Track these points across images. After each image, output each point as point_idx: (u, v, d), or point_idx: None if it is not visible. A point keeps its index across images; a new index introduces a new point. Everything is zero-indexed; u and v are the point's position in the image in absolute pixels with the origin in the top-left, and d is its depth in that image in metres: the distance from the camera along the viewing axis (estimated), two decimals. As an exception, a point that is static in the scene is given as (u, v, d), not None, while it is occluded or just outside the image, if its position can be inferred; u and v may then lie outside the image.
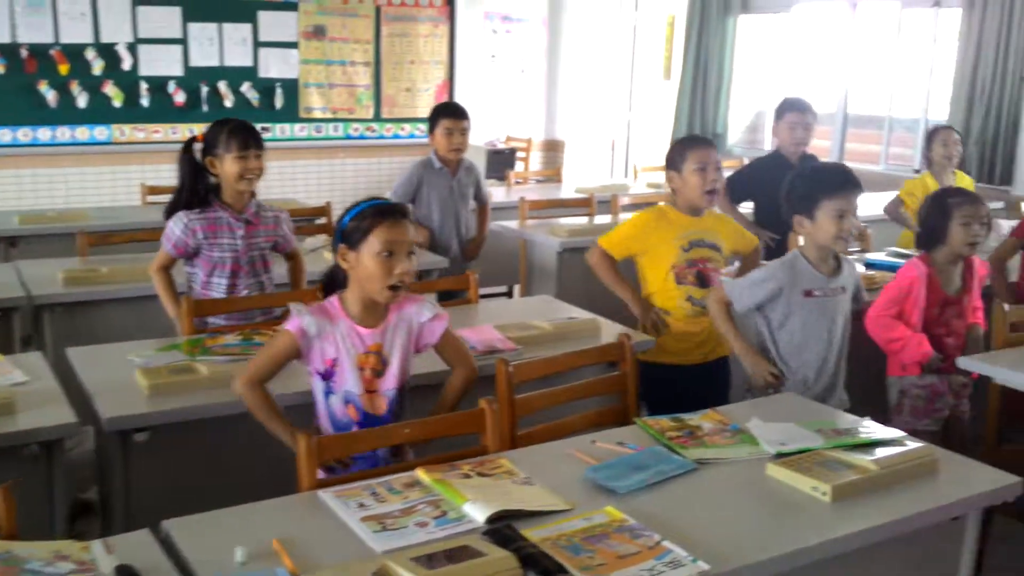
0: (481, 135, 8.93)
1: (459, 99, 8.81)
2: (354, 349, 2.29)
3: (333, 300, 2.34)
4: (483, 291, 6.29)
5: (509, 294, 6.20)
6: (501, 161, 8.60)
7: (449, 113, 4.53)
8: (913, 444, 2.14)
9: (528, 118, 9.30)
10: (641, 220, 3.39)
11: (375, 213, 2.25)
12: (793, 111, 4.56)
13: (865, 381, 3.28)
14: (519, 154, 8.94)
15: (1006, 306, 3.13)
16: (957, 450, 3.40)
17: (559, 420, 2.56)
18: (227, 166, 3.17)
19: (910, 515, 1.92)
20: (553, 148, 9.46)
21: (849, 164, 7.47)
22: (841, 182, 2.89)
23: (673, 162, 3.32)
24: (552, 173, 7.19)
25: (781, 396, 2.65)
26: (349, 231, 2.27)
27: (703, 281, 3.28)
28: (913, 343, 3.16)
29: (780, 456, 2.12)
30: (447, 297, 4.00)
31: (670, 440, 2.20)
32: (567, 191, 6.36)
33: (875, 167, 7.39)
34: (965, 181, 5.03)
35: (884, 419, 3.41)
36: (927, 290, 3.18)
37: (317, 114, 8.01)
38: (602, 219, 5.21)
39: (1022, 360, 2.89)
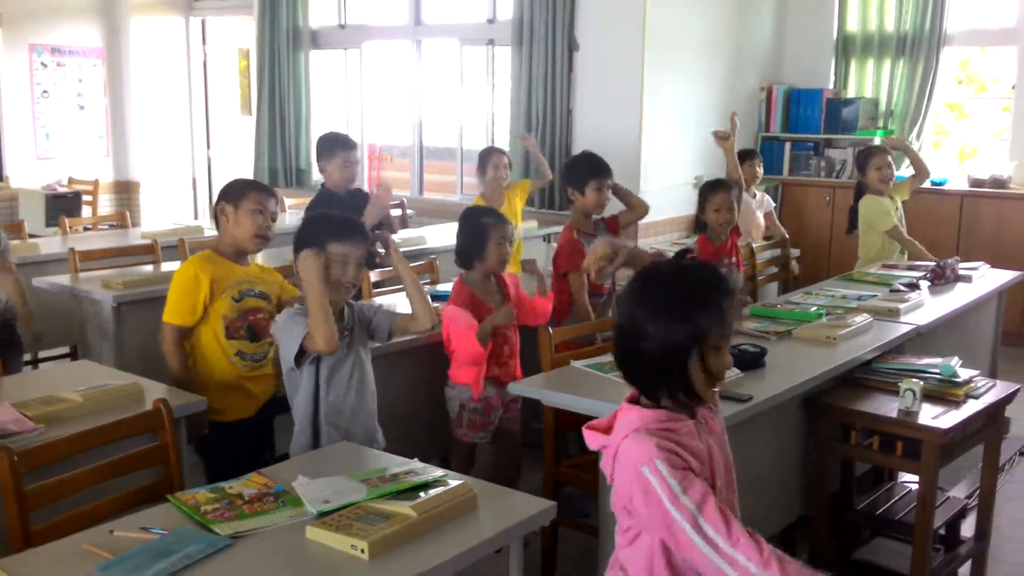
0: (38, 179, 8.10)
1: (7, 139, 7.94)
2: None
3: None
4: (45, 354, 5.67)
5: (74, 355, 5.61)
6: (63, 206, 7.83)
7: None
8: (454, 482, 2.13)
9: (94, 158, 8.59)
10: (190, 274, 3.08)
11: None
12: (346, 149, 4.53)
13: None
14: (85, 198, 8.22)
15: (550, 329, 3.31)
16: (511, 461, 3.63)
17: (92, 504, 2.26)
18: None
19: (450, 558, 1.90)
20: (126, 190, 8.82)
21: (428, 195, 7.83)
22: (346, 229, 2.84)
23: (230, 198, 3.12)
24: (116, 218, 6.62)
25: (334, 448, 2.55)
26: None
27: (254, 334, 3.12)
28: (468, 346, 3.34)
29: (323, 515, 2.01)
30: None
31: (204, 515, 2.01)
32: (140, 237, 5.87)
33: (452, 197, 7.71)
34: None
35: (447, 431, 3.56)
36: (472, 307, 3.38)
37: None
38: (171, 266, 4.84)
39: (566, 380, 3.05)
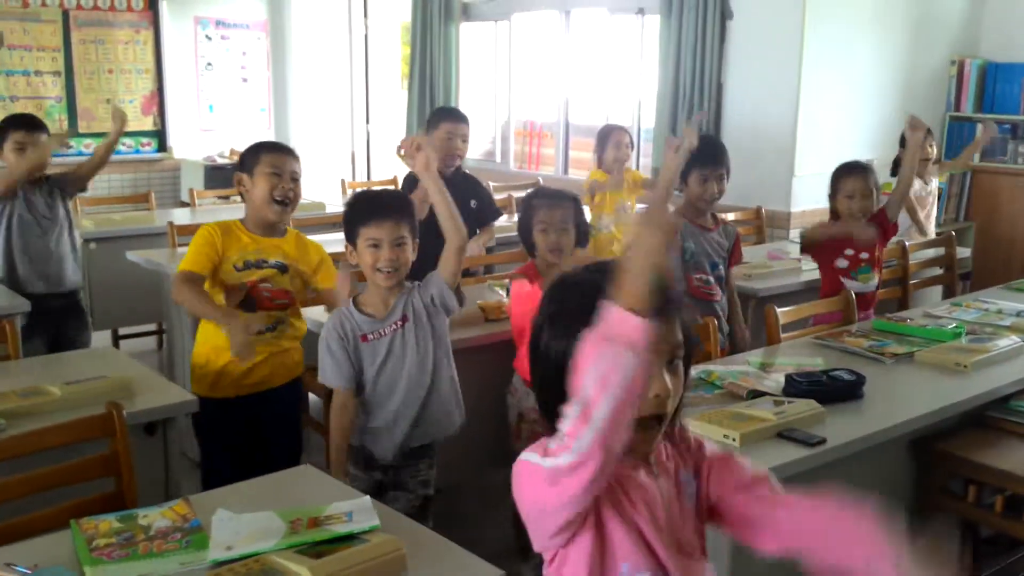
0: (200, 150, 8.29)
1: (172, 111, 8.16)
2: None
3: None
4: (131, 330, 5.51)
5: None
6: (223, 178, 7.98)
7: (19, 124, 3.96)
8: (383, 537, 1.77)
9: (255, 131, 8.71)
10: (207, 232, 2.90)
11: None
12: (449, 120, 4.19)
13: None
14: (244, 169, 8.35)
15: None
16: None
17: (25, 516, 2.07)
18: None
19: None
20: (286, 162, 8.92)
21: (573, 173, 7.42)
22: (373, 210, 2.57)
23: (244, 165, 2.92)
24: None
25: (296, 471, 2.24)
26: None
27: (251, 305, 2.88)
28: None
29: (218, 565, 1.70)
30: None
31: (90, 552, 1.75)
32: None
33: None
34: (636, 177, 5.11)
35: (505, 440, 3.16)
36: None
37: (-4, 130, 7.16)
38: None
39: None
